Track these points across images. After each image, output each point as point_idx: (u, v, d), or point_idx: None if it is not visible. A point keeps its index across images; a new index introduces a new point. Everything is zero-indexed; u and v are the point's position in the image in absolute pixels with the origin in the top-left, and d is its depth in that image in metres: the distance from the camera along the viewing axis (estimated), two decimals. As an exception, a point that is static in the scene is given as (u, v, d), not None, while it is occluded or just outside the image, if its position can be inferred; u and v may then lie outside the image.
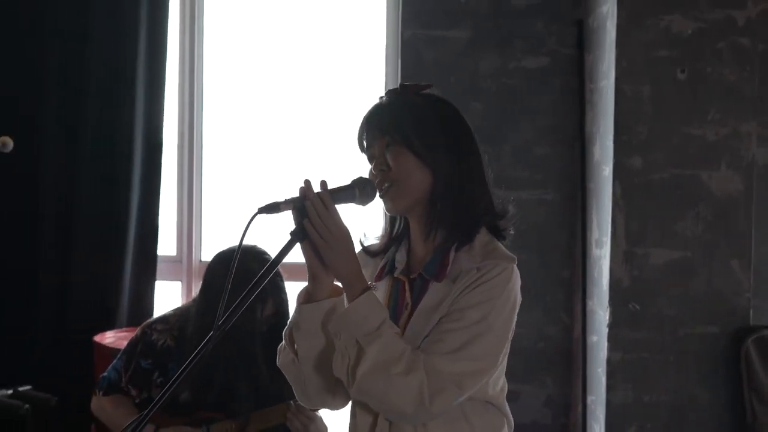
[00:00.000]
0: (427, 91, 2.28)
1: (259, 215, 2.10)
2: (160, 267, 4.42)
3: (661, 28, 3.89)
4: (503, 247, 2.23)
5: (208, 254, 4.55)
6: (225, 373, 3.26)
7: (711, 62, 3.90)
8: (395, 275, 2.27)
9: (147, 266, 4.36)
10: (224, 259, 3.36)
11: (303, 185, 2.11)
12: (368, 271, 2.32)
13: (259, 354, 3.27)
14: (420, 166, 2.19)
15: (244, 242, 3.24)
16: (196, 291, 4.53)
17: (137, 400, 3.35)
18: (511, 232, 2.30)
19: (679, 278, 3.93)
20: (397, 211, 2.24)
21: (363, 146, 2.25)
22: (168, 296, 4.51)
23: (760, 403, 3.86)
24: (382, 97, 2.27)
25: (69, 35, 4.20)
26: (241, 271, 2.92)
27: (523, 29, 4.45)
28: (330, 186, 2.16)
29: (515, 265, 2.20)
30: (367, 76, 4.61)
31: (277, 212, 2.12)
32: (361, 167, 2.27)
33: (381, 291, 2.29)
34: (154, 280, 4.38)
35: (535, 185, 4.48)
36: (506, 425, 2.29)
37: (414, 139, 2.18)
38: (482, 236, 2.23)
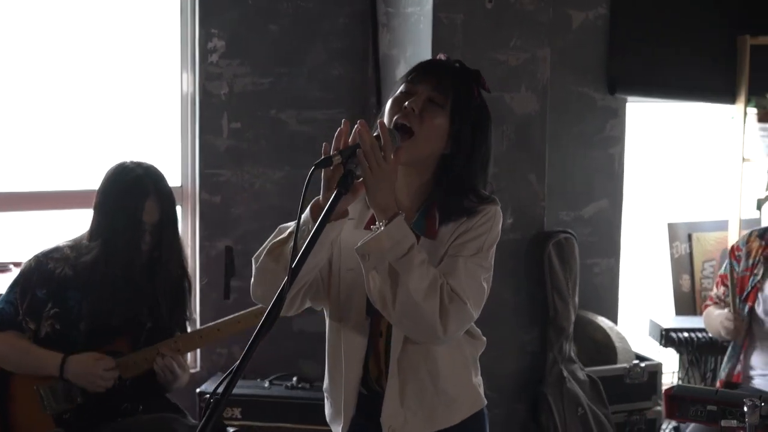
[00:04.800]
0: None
1: (316, 170, 2.19)
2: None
3: (471, -41, 4.17)
4: (482, 192, 2.43)
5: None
6: (119, 299, 3.30)
7: (513, -8, 4.24)
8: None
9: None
10: (114, 175, 3.37)
11: (358, 124, 2.23)
12: (355, 207, 2.44)
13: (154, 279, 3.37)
14: (445, 136, 2.36)
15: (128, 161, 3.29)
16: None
17: (32, 339, 3.26)
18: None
19: (487, 191, 4.30)
20: (403, 160, 2.35)
21: (409, 77, 2.39)
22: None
23: (561, 299, 4.37)
24: (456, 62, 2.43)
25: None
26: (129, 179, 3.27)
27: (316, -48, 4.55)
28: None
29: (498, 207, 2.41)
30: (159, 7, 4.50)
31: (331, 165, 2.21)
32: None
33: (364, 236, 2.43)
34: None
35: (328, 105, 4.64)
36: (482, 346, 2.56)
37: (457, 114, 2.36)
38: None
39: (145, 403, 3.37)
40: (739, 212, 5.28)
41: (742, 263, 3.69)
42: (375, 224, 2.30)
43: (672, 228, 5.53)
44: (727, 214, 5.42)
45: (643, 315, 5.37)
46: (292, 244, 2.29)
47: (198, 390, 4.25)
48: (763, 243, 3.69)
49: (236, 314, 3.52)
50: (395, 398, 2.42)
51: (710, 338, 4.79)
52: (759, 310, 3.62)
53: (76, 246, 3.36)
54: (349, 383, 2.45)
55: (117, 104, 4.48)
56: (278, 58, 4.56)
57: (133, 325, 3.35)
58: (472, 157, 2.39)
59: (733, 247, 3.77)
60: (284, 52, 4.55)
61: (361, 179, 2.28)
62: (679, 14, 5.07)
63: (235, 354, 4.64)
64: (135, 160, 3.41)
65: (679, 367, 5.05)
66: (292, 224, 2.37)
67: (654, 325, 5.02)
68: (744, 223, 5.28)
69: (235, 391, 4.20)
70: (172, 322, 3.41)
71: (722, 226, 5.49)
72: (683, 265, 5.53)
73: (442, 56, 2.49)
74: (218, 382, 2.02)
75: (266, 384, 4.37)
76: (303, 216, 2.28)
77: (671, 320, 5.15)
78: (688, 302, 5.50)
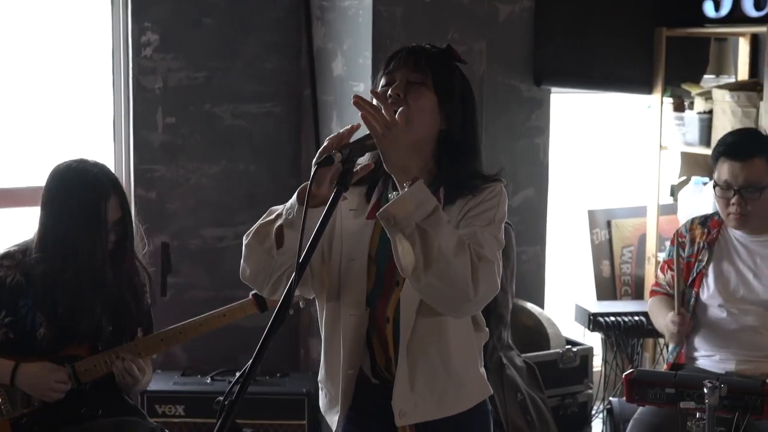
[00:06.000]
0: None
1: (318, 169, 2.21)
2: None
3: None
4: (486, 174, 2.48)
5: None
6: (82, 305, 3.22)
7: (450, -14, 4.30)
8: None
9: None
10: (60, 173, 3.26)
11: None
12: (354, 199, 2.46)
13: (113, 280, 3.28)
14: (436, 112, 2.39)
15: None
16: None
17: None
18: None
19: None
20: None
21: (387, 68, 2.41)
22: None
23: (500, 288, 4.43)
24: (425, 44, 2.45)
25: None
26: (88, 179, 3.18)
27: (249, -55, 4.54)
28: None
29: (503, 186, 2.45)
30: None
31: (332, 164, 2.23)
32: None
33: (370, 228, 2.45)
34: None
35: (263, 99, 4.64)
36: (485, 337, 2.60)
37: (442, 88, 2.39)
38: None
39: (105, 407, 3.31)
40: (657, 198, 5.43)
41: (687, 249, 3.80)
42: (377, 212, 2.31)
43: (592, 215, 5.67)
44: (644, 200, 5.58)
45: (565, 301, 5.50)
46: (277, 224, 2.32)
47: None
48: (705, 230, 3.81)
49: (199, 317, 3.48)
50: (405, 382, 2.42)
51: (636, 322, 4.93)
52: (704, 295, 3.74)
53: (26, 250, 3.24)
54: (347, 373, 2.46)
55: (48, 99, 4.39)
56: (212, 52, 4.53)
57: (93, 329, 3.26)
58: (465, 129, 2.43)
59: (675, 233, 3.87)
60: (218, 46, 4.53)
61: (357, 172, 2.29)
62: (601, 7, 5.18)
63: (174, 353, 4.60)
64: (82, 158, 3.30)
65: (604, 350, 5.19)
66: (281, 207, 2.37)
67: (581, 310, 5.14)
68: (661, 209, 5.45)
69: (178, 388, 4.27)
70: (135, 323, 3.35)
71: (639, 212, 5.64)
72: (603, 251, 5.68)
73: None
74: (230, 384, 2.01)
75: (208, 380, 4.34)
76: (290, 200, 2.31)
77: (593, 305, 5.28)
78: (608, 287, 5.65)
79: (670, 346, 3.87)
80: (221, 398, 2.03)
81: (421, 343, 2.42)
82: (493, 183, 2.43)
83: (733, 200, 3.64)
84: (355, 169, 2.27)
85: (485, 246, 2.29)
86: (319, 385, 2.60)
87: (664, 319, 3.78)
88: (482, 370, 2.57)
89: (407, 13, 4.22)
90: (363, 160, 2.46)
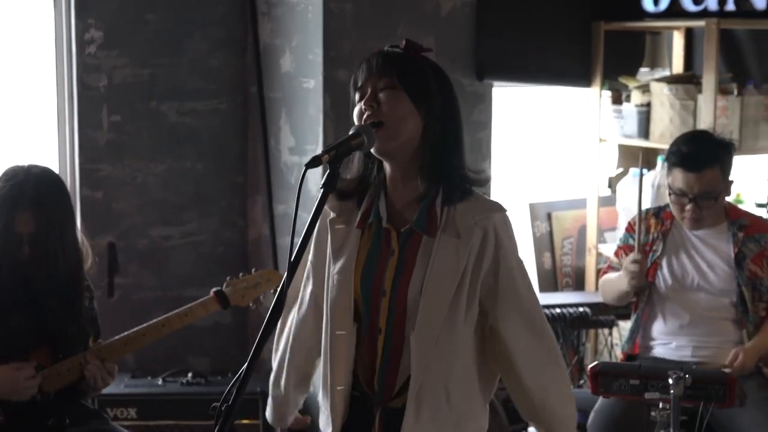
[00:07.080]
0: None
1: (308, 170, 2.18)
2: None
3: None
4: (485, 197, 2.45)
5: None
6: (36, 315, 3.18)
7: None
8: (384, 225, 2.40)
9: None
10: (6, 174, 3.18)
11: None
12: (343, 216, 2.44)
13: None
14: (414, 112, 2.34)
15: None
16: None
17: None
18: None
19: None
20: (384, 151, 2.35)
21: (356, 84, 2.37)
22: None
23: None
24: (386, 47, 2.41)
25: None
26: (8, 186, 3.11)
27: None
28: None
29: (506, 213, 2.43)
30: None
31: (320, 164, 2.21)
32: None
33: (356, 238, 2.43)
34: None
35: (209, 96, 4.59)
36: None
37: (414, 86, 2.34)
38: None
39: (71, 416, 3.24)
40: (597, 190, 5.50)
41: (642, 238, 3.84)
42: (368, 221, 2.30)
43: (533, 208, 5.71)
44: (583, 192, 5.64)
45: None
46: None
47: (90, 392, 4.14)
48: (659, 221, 3.85)
49: (161, 318, 3.41)
50: (413, 416, 2.37)
51: (580, 313, 4.98)
52: (659, 284, 3.79)
53: None
54: (336, 390, 2.43)
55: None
56: (157, 49, 4.48)
57: (50, 337, 3.20)
58: (446, 122, 2.39)
59: (630, 223, 3.91)
60: (163, 43, 4.49)
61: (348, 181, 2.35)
62: (541, 1, 5.22)
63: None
64: (29, 163, 3.21)
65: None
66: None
67: (527, 303, 5.17)
68: (600, 201, 5.51)
69: (129, 390, 4.21)
70: (79, 331, 3.27)
71: (579, 204, 5.70)
72: (544, 244, 5.73)
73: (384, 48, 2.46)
74: (227, 388, 1.99)
75: (159, 381, 4.30)
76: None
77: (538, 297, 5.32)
78: (550, 279, 5.71)
79: (625, 336, 3.92)
80: (217, 404, 1.98)
81: (432, 381, 2.38)
82: (498, 212, 2.40)
83: (688, 207, 3.66)
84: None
85: (545, 333, 2.52)
86: (320, 403, 2.55)
87: (617, 279, 3.80)
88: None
89: (357, 9, 4.21)
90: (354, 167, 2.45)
